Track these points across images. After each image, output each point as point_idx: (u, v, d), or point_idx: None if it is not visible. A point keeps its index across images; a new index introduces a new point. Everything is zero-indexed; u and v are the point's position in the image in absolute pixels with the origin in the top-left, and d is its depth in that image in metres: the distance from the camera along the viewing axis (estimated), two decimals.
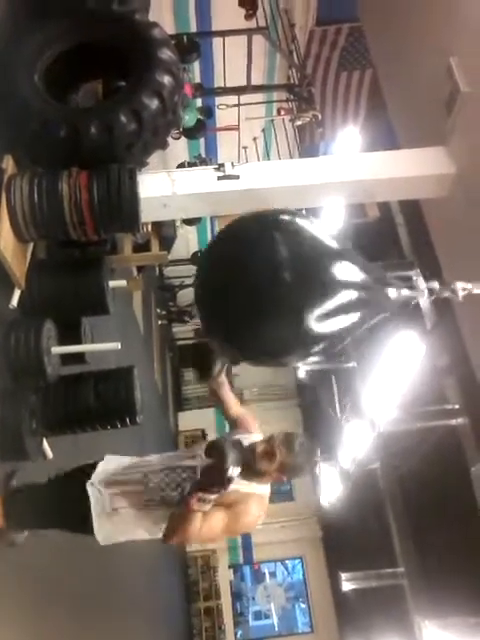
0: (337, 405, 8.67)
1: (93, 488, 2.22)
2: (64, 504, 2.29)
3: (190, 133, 7.19)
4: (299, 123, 7.51)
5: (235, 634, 12.23)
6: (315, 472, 2.16)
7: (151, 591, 7.25)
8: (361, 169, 3.64)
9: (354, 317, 1.95)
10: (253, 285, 1.83)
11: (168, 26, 6.62)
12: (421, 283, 2.17)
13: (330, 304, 1.86)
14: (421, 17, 3.74)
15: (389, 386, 5.65)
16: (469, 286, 2.19)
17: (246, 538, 12.48)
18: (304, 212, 2.08)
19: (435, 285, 2.20)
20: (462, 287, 2.19)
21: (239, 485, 2.04)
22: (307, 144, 8.56)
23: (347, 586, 8.59)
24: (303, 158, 7.80)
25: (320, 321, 1.86)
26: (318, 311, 1.85)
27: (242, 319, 1.88)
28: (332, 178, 3.59)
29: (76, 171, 2.93)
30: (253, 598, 12.91)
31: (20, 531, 2.42)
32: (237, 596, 12.77)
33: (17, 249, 2.90)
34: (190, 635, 11.32)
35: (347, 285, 1.91)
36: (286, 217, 1.99)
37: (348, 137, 6.71)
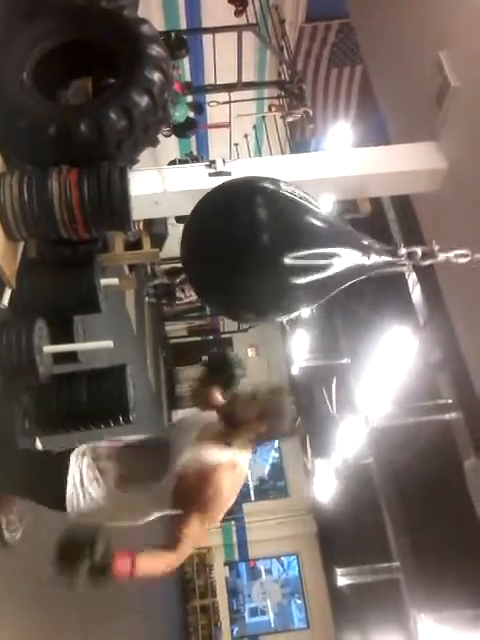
0: (331, 401, 8.69)
1: (76, 456, 2.13)
2: (42, 468, 2.20)
3: (181, 131, 7.15)
4: (290, 119, 7.50)
5: (231, 631, 12.26)
6: (297, 430, 2.06)
7: (147, 589, 7.24)
8: (352, 165, 3.64)
9: (330, 269, 2.07)
10: (234, 245, 1.95)
11: (157, 23, 6.59)
12: (401, 249, 2.23)
13: (307, 264, 2.00)
14: (410, 12, 3.73)
15: (383, 381, 5.67)
16: (450, 254, 2.26)
17: (241, 535, 12.51)
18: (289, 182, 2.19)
19: (416, 250, 2.26)
20: (443, 254, 2.29)
21: (208, 454, 1.97)
22: (298, 140, 8.56)
23: (342, 581, 8.64)
24: (294, 154, 7.80)
25: (297, 278, 1.99)
26: (295, 269, 1.98)
27: (225, 276, 2.00)
28: (323, 174, 3.58)
29: (66, 169, 2.91)
30: (249, 595, 12.94)
31: None
32: (233, 593, 12.80)
33: (7, 248, 2.88)
34: (186, 633, 11.33)
35: (322, 241, 2.05)
36: (269, 183, 2.12)
37: (339, 133, 6.72)
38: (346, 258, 2.10)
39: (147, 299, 10.47)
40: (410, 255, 2.24)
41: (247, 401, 2.01)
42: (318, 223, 2.07)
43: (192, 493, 1.91)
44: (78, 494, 2.05)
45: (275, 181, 2.11)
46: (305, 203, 2.07)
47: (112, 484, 2.07)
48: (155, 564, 1.90)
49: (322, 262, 2.03)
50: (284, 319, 2.23)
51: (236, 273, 1.96)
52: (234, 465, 1.99)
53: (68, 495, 2.05)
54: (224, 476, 1.93)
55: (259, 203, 1.97)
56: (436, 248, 2.27)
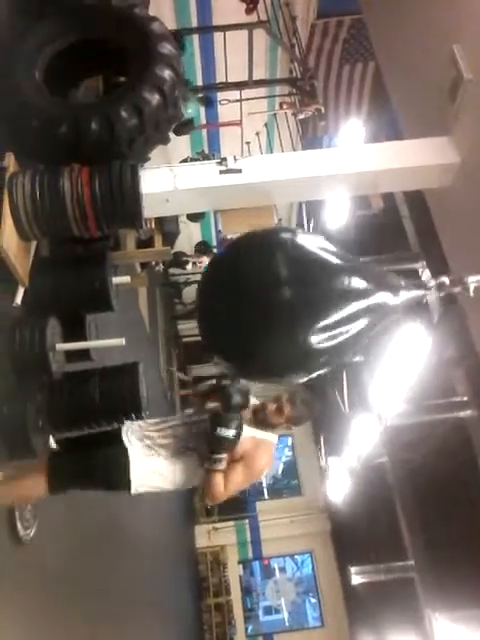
0: (345, 400, 8.65)
1: (127, 438, 2.43)
2: (103, 458, 2.42)
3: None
4: (302, 117, 7.46)
5: (246, 629, 12.26)
6: (314, 417, 2.77)
7: (162, 588, 7.27)
8: (365, 160, 3.61)
9: (358, 327, 1.94)
10: (253, 303, 1.86)
11: (168, 21, 6.59)
12: (429, 280, 2.09)
13: (331, 319, 1.86)
14: (423, 4, 3.70)
15: (397, 379, 5.63)
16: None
17: (255, 533, 12.50)
18: (306, 228, 2.10)
19: (445, 280, 2.10)
20: (473, 280, 2.08)
21: (250, 432, 2.36)
22: (310, 138, 8.52)
23: (357, 580, 8.60)
24: (306, 150, 7.76)
25: (321, 336, 1.86)
26: (319, 327, 1.85)
27: (242, 336, 1.91)
28: (336, 170, 3.56)
29: (78, 167, 2.92)
30: (263, 593, 12.93)
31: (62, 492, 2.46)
32: (247, 591, 12.80)
33: (20, 247, 2.89)
34: (200, 631, 11.35)
35: (348, 298, 1.90)
36: (287, 235, 2.02)
37: (351, 130, 6.68)
38: (372, 308, 1.95)
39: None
40: (439, 286, 2.10)
41: (276, 412, 2.46)
42: (338, 270, 1.93)
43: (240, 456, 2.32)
44: (143, 474, 2.36)
45: (293, 231, 2.07)
46: (325, 255, 1.96)
47: (170, 455, 2.40)
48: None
49: (347, 322, 1.90)
50: (309, 378, 2.10)
51: (253, 334, 1.88)
52: (272, 445, 2.47)
53: (134, 480, 2.34)
54: (266, 453, 2.41)
55: (278, 260, 1.89)
56: (468, 279, 2.07)
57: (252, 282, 1.88)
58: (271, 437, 2.48)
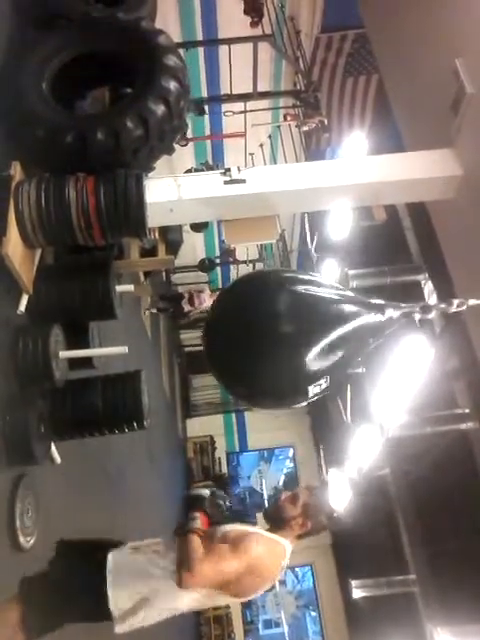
0: (346, 411, 8.63)
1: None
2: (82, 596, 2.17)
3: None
4: (305, 129, 7.52)
5: None
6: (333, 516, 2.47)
7: None
8: (368, 172, 3.64)
9: (349, 348, 2.23)
10: (256, 334, 2.13)
11: (174, 34, 6.66)
12: (412, 309, 2.34)
13: (326, 345, 2.15)
14: (426, 19, 3.74)
15: (398, 390, 5.62)
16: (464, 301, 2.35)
17: None
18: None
19: (429, 306, 2.35)
20: (457, 302, 2.35)
21: (258, 530, 2.14)
22: (314, 149, 8.58)
23: (358, 594, 8.52)
24: (310, 161, 7.80)
25: (318, 361, 2.15)
26: (315, 352, 2.14)
27: (247, 364, 2.17)
28: (339, 181, 3.59)
29: (83, 177, 2.95)
30: (263, 606, 12.82)
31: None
32: (247, 604, 12.68)
33: (25, 255, 2.91)
34: None
35: (338, 324, 2.21)
36: (285, 274, 2.40)
37: (354, 142, 6.72)
38: (362, 331, 2.25)
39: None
40: (424, 309, 2.33)
41: (290, 500, 2.22)
42: (331, 303, 2.25)
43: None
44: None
45: (290, 272, 2.35)
46: (317, 288, 2.27)
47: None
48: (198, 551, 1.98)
49: (340, 342, 2.19)
50: (307, 401, 2.34)
51: (257, 362, 2.14)
52: (276, 542, 2.14)
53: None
54: (261, 541, 2.07)
55: (277, 295, 2.18)
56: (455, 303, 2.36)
57: (254, 316, 2.15)
58: (281, 540, 2.16)
